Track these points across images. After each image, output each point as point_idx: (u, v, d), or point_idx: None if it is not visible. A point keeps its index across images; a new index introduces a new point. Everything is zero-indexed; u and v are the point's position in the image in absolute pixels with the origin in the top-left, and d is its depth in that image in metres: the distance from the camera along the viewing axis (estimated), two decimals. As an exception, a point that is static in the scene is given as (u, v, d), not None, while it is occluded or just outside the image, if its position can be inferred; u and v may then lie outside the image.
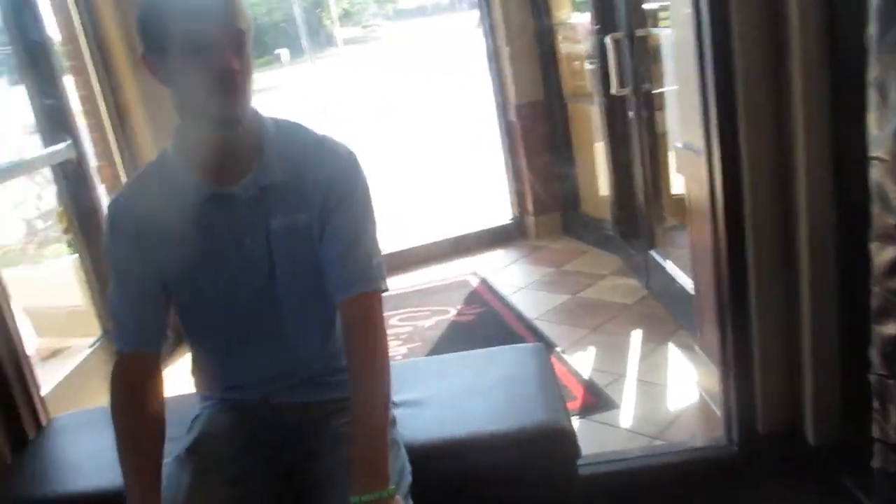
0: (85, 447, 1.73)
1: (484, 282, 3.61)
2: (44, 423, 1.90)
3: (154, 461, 1.27)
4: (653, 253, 3.08)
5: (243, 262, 1.35)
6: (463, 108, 9.11)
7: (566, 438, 1.49)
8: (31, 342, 3.53)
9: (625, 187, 3.32)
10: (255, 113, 1.34)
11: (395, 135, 9.21)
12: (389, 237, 4.32)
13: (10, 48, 2.81)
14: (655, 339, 2.78)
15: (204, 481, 1.28)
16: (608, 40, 2.98)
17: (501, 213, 4.30)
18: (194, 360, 1.53)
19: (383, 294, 1.37)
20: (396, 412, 1.52)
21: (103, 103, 3.17)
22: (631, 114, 3.06)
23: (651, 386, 2.50)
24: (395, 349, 2.99)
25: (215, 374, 1.50)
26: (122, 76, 3.18)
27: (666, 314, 2.94)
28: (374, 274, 1.37)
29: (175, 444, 1.35)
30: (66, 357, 3.20)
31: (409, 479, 1.34)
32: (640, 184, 3.12)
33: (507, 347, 1.94)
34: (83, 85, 3.16)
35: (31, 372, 1.95)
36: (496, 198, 4.51)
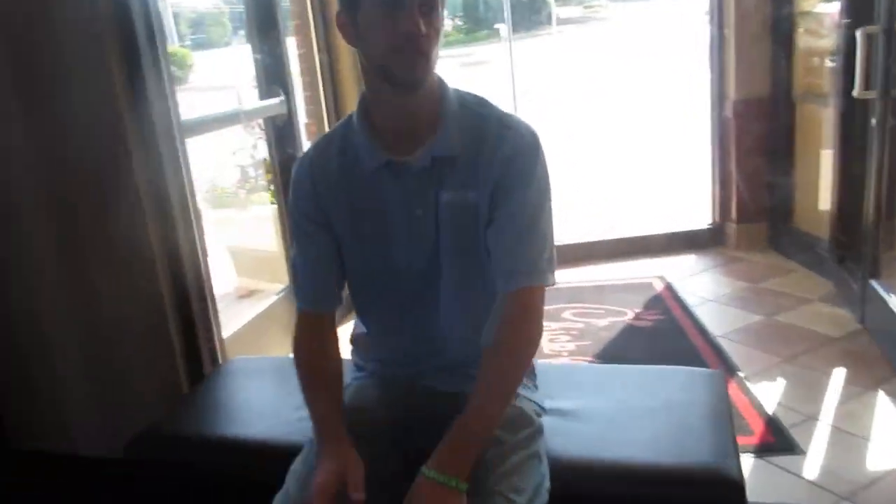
0: (253, 392, 1.81)
1: (669, 287, 3.37)
2: (220, 361, 2.03)
3: (337, 400, 1.33)
4: (874, 283, 2.68)
5: (411, 233, 1.32)
6: (676, 100, 8.58)
7: (731, 487, 1.30)
8: (231, 280, 3.84)
9: (852, 204, 2.91)
10: (440, 82, 1.30)
11: (597, 120, 8.90)
12: (570, 228, 4.21)
13: (243, 6, 3.01)
14: (862, 383, 2.42)
15: (340, 462, 1.26)
16: (860, 34, 2.59)
17: (699, 216, 3.98)
18: (355, 328, 1.54)
19: (552, 287, 1.29)
20: (546, 420, 1.43)
21: (319, 65, 3.32)
22: (874, 121, 2.64)
23: (848, 436, 2.17)
24: (563, 344, 2.87)
25: (370, 346, 1.50)
26: (339, 41, 3.30)
27: (880, 356, 2.55)
28: (542, 267, 1.28)
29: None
30: (258, 298, 3.43)
31: (545, 497, 1.24)
32: (871, 202, 2.70)
33: (680, 368, 1.75)
34: (303, 44, 3.33)
35: (216, 313, 2.08)
36: (695, 199, 4.19)
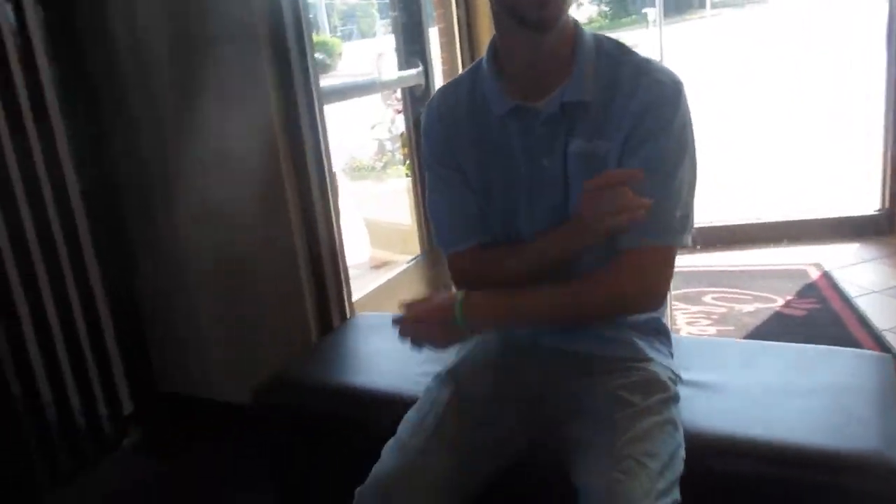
0: (377, 346, 1.81)
1: (826, 276, 3.07)
2: (348, 316, 2.05)
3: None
4: None
5: (538, 184, 1.25)
6: (842, 83, 7.88)
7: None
8: (366, 251, 3.92)
9: None
10: (574, 24, 1.22)
11: (754, 105, 8.33)
12: (718, 209, 3.95)
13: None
14: None
15: (459, 408, 1.23)
16: None
17: (864, 202, 3.62)
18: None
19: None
20: (684, 391, 1.32)
21: (458, 37, 3.30)
22: None
23: None
24: (703, 328, 2.69)
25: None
26: (480, 16, 3.26)
27: None
28: (674, 225, 1.18)
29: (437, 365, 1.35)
30: (390, 269, 3.48)
31: (680, 466, 1.14)
32: None
33: (843, 349, 1.57)
34: (443, 18, 3.31)
35: (346, 270, 2.11)
36: (860, 185, 3.82)
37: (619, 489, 1.03)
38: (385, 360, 1.71)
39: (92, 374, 2.11)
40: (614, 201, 1.10)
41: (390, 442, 1.22)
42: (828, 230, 3.53)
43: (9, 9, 1.85)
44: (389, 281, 2.80)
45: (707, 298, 2.93)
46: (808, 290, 2.94)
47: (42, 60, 1.93)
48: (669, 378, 1.27)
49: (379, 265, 3.83)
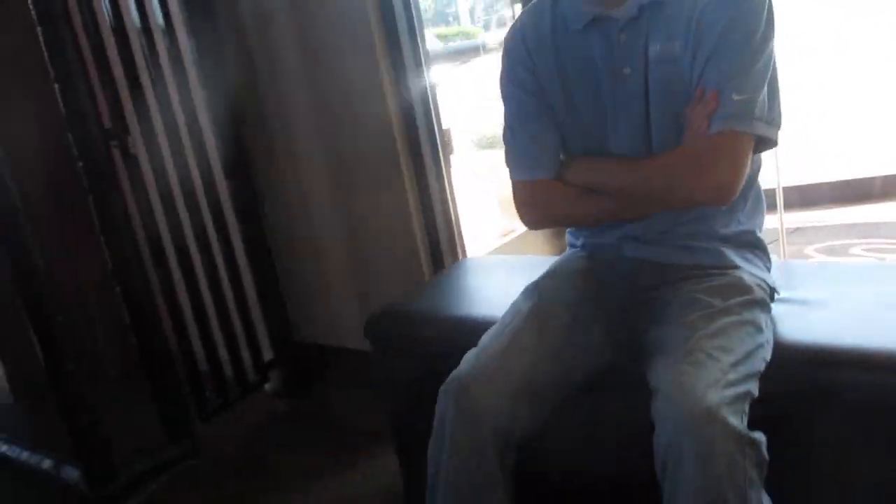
0: (483, 282, 1.87)
1: None
2: (460, 258, 2.14)
3: None
4: None
5: (621, 94, 1.25)
6: None
7: None
8: (497, 221, 3.97)
9: None
10: None
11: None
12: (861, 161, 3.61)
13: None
14: None
15: (539, 317, 1.25)
16: None
17: None
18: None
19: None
20: (778, 309, 1.26)
21: None
22: None
23: None
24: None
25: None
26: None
27: None
28: (755, 112, 1.13)
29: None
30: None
31: (759, 365, 1.09)
32: None
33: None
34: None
35: (457, 217, 2.18)
36: None
37: (685, 380, 1.01)
38: (487, 293, 1.76)
39: (236, 327, 2.33)
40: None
41: (472, 349, 1.27)
42: None
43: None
44: (508, 242, 2.85)
45: (855, 250, 2.72)
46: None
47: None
48: (758, 285, 1.22)
49: (507, 234, 3.86)
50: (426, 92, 2.09)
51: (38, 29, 1.79)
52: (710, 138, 1.13)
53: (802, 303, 1.33)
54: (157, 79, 2.07)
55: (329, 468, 1.98)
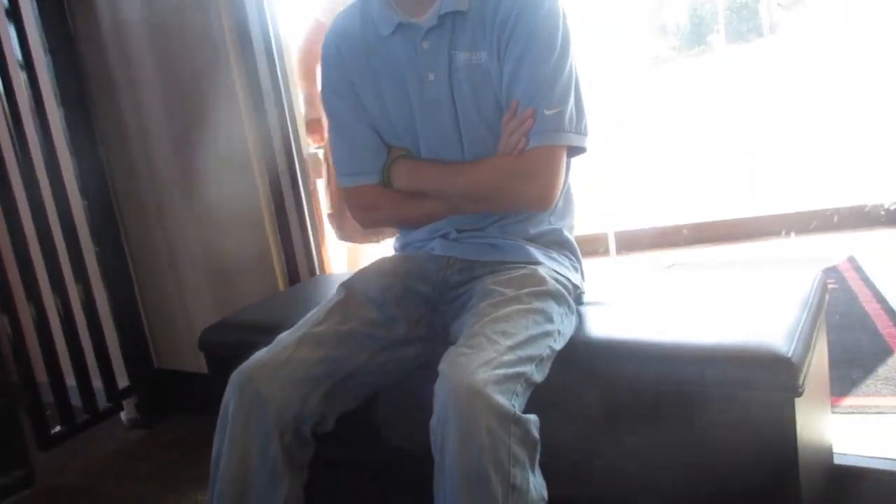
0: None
1: (852, 259, 2.91)
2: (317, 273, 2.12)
3: None
4: None
5: (427, 101, 1.29)
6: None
7: (780, 367, 1.07)
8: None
9: None
10: None
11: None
12: (746, 202, 3.83)
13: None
14: None
15: (343, 311, 1.25)
16: None
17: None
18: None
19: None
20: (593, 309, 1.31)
21: None
22: None
23: None
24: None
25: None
26: None
27: None
28: (562, 126, 1.19)
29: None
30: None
31: (542, 351, 1.11)
32: None
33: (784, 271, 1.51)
34: None
35: (317, 240, 2.16)
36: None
37: (461, 360, 1.02)
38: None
39: (87, 352, 2.23)
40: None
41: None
42: (862, 219, 3.36)
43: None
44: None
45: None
46: (829, 273, 2.79)
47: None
48: (554, 278, 1.25)
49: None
50: (286, 120, 2.10)
51: None
52: (529, 153, 1.22)
53: (605, 304, 1.38)
54: (5, 88, 2.02)
55: (167, 499, 1.89)
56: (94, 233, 2.26)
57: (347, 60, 1.35)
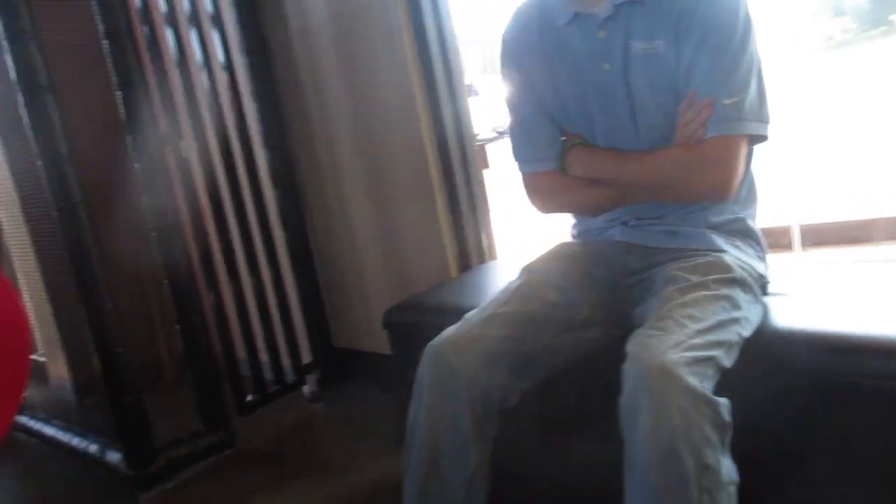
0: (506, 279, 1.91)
1: None
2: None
3: None
4: None
5: (603, 90, 1.31)
6: None
7: None
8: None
9: None
10: None
11: None
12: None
13: None
14: None
15: (526, 293, 1.30)
16: None
17: None
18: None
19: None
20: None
21: None
22: None
23: None
24: None
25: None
26: None
27: None
28: (739, 114, 1.18)
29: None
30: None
31: (731, 337, 1.10)
32: None
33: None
34: None
35: (488, 226, 2.24)
36: None
37: (650, 342, 1.04)
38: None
39: (277, 330, 2.45)
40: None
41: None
42: None
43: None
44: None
45: None
46: None
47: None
48: (740, 266, 1.23)
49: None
50: (459, 110, 2.18)
51: (104, 42, 1.99)
52: (707, 143, 1.20)
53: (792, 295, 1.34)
54: (212, 89, 2.25)
55: (349, 467, 2.04)
56: (282, 220, 2.47)
57: (525, 50, 1.40)
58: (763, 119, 1.22)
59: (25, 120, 1.94)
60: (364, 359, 2.52)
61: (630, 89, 1.28)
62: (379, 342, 2.43)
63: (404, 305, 1.81)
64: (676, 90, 1.24)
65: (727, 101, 1.18)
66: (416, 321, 1.74)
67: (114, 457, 2.15)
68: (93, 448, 2.26)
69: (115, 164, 2.15)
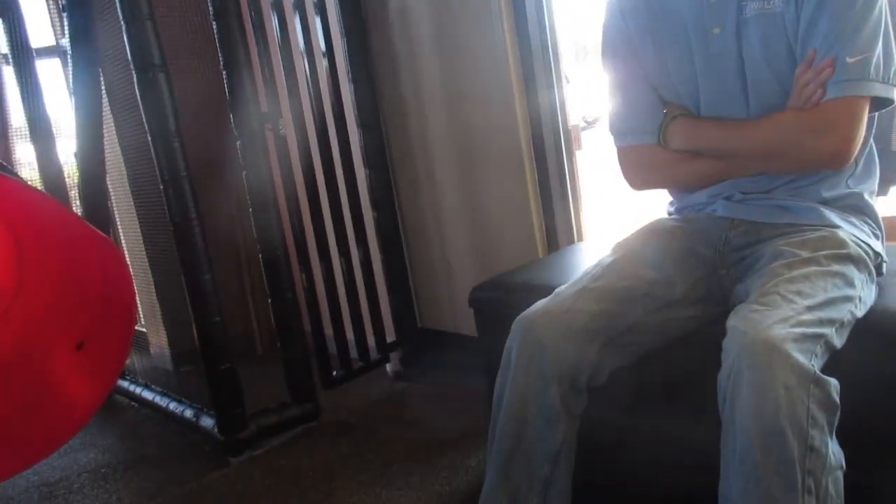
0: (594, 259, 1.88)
1: None
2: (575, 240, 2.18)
3: None
4: None
5: (710, 55, 1.26)
6: None
7: None
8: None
9: None
10: None
11: None
12: None
13: None
14: None
15: (620, 269, 1.27)
16: None
17: None
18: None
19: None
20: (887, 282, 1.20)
21: None
22: None
23: None
24: None
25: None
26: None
27: None
28: (864, 74, 1.11)
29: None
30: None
31: (842, 315, 1.05)
32: None
33: None
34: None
35: (577, 210, 2.21)
36: None
37: (754, 316, 1.00)
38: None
39: (363, 307, 2.49)
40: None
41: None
42: None
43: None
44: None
45: None
46: None
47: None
48: (856, 243, 1.17)
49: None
50: (554, 94, 2.16)
51: (213, 23, 2.07)
52: (825, 105, 1.14)
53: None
54: (311, 70, 2.31)
55: (430, 442, 2.05)
56: (373, 200, 2.51)
57: (630, 20, 1.37)
58: (890, 80, 1.15)
59: (138, 96, 2.04)
60: (448, 339, 2.53)
61: (742, 53, 1.23)
62: (463, 323, 2.45)
63: (491, 284, 1.80)
64: (792, 52, 1.18)
65: (850, 60, 1.11)
66: (502, 299, 1.73)
67: (207, 422, 2.24)
68: (188, 413, 2.36)
69: (217, 141, 2.24)
